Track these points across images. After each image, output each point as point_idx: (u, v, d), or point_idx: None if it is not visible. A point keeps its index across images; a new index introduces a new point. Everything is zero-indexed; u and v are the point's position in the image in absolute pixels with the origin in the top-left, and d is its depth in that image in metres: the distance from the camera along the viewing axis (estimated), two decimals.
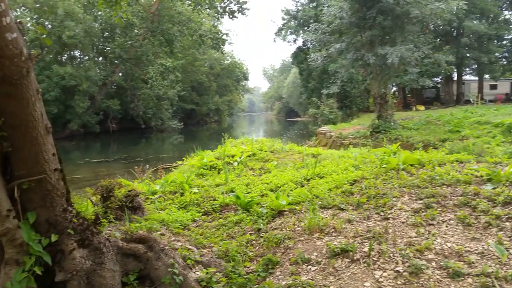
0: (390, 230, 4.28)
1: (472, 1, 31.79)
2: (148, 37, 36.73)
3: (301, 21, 41.88)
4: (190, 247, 4.48)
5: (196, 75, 60.00)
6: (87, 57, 43.65)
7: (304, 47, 44.79)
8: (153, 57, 39.06)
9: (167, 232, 5.07)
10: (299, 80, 53.77)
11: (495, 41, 38.13)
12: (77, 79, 36.40)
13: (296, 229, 4.90)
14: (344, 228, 4.57)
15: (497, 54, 38.26)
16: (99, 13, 38.30)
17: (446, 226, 4.20)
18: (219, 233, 5.23)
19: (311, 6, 42.39)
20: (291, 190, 6.61)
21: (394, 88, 45.29)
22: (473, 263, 3.39)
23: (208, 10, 35.92)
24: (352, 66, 20.87)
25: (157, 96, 44.43)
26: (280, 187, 7.02)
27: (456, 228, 4.12)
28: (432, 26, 26.19)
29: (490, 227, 4.03)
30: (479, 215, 4.28)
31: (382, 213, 4.80)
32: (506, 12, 40.99)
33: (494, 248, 3.52)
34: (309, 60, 22.49)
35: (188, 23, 35.54)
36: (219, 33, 39.13)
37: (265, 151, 11.02)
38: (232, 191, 7.06)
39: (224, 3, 34.23)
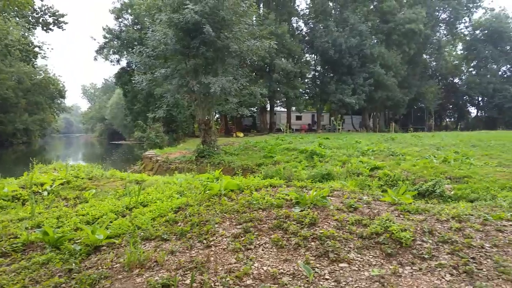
0: (212, 258, 4.27)
1: (281, 42, 36.22)
2: None
3: (125, 41, 40.57)
4: None
5: (0, 90, 51.82)
6: None
7: (128, 68, 43.46)
8: None
9: None
10: (124, 101, 51.71)
11: (299, 78, 43.97)
12: None
13: (115, 266, 4.47)
14: (167, 260, 4.37)
15: (301, 89, 44.16)
16: None
17: (262, 250, 4.42)
18: (19, 279, 4.38)
19: (135, 28, 41.58)
20: (111, 222, 6.07)
21: (217, 115, 47.74)
22: (286, 284, 3.61)
23: (17, 19, 31.68)
24: (177, 91, 21.10)
25: None
26: (98, 219, 6.39)
27: (271, 251, 4.38)
28: (249, 61, 28.73)
29: (299, 247, 4.41)
30: (290, 237, 4.66)
31: (205, 241, 4.78)
32: (307, 55, 48.00)
33: (302, 268, 3.85)
34: (133, 82, 21.80)
35: None
36: (30, 45, 34.78)
37: (82, 178, 10.00)
38: (39, 226, 6.11)
39: (37, 14, 30.83)
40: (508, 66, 63.01)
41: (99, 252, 5.05)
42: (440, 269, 3.94)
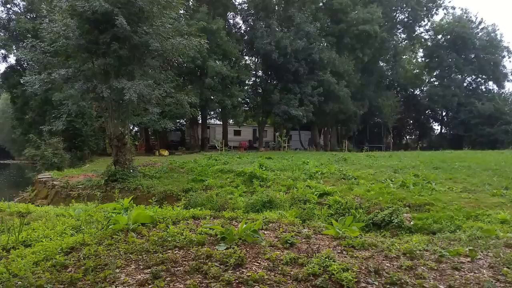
0: None
1: (215, 40, 36.42)
2: None
3: (15, 33, 38.66)
4: None
5: None
6: None
7: (19, 67, 41.45)
8: None
9: None
10: (12, 109, 48.93)
11: (237, 85, 44.22)
12: None
13: None
14: None
15: (239, 98, 44.37)
16: None
17: None
18: None
19: (28, 17, 39.90)
20: None
21: (136, 129, 46.60)
22: None
23: None
24: (82, 98, 20.31)
25: None
26: None
27: None
28: (175, 62, 28.52)
29: None
30: (210, 283, 4.54)
31: None
32: (246, 57, 48.63)
33: None
34: (24, 82, 20.50)
35: None
36: None
37: None
38: None
39: None
40: (474, 77, 67.06)
41: None
42: None
